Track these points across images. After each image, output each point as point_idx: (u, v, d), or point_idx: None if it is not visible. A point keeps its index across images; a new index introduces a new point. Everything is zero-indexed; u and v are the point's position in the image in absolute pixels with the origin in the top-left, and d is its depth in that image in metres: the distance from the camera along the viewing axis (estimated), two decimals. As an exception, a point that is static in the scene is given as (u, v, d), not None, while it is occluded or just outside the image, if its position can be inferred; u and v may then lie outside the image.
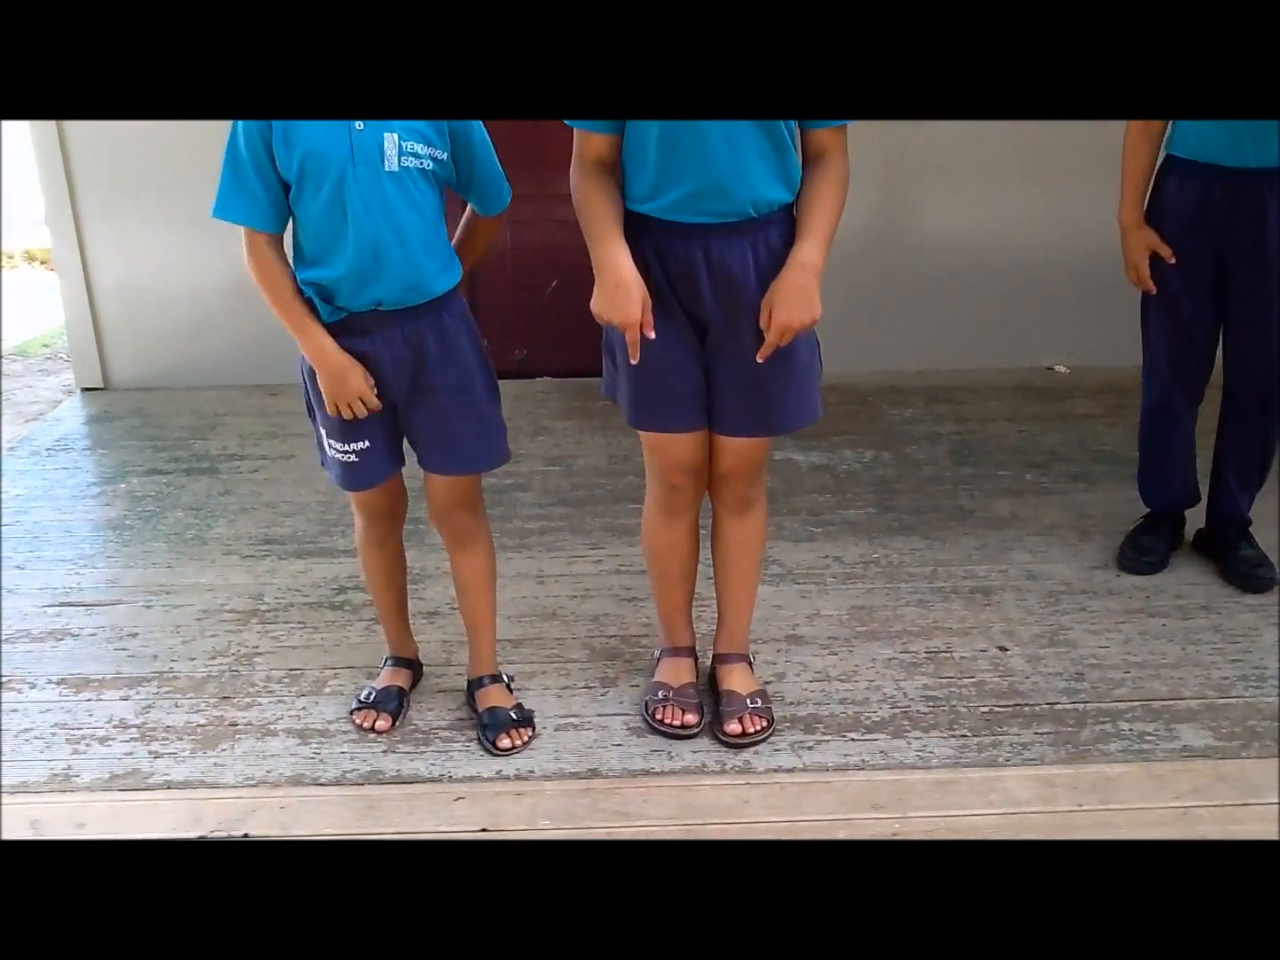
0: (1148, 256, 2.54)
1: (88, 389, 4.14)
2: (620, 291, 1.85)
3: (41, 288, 6.08)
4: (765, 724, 2.19)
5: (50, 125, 3.82)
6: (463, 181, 1.98)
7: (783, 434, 2.14)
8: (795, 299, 1.85)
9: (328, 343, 1.91)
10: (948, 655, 2.47)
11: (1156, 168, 2.57)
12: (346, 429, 1.99)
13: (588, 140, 1.93)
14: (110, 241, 3.99)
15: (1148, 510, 2.87)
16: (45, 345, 5.20)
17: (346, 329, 1.92)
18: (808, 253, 1.87)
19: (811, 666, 2.44)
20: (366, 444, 2.01)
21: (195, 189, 3.91)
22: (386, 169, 1.83)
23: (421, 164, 1.86)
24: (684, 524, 2.21)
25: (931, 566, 2.85)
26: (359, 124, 1.81)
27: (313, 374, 1.97)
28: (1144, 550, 2.79)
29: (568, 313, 4.01)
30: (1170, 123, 2.52)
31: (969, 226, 4.15)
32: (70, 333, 4.15)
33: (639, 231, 1.92)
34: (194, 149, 3.85)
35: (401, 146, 1.83)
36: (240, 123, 1.83)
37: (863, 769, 2.10)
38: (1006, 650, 2.49)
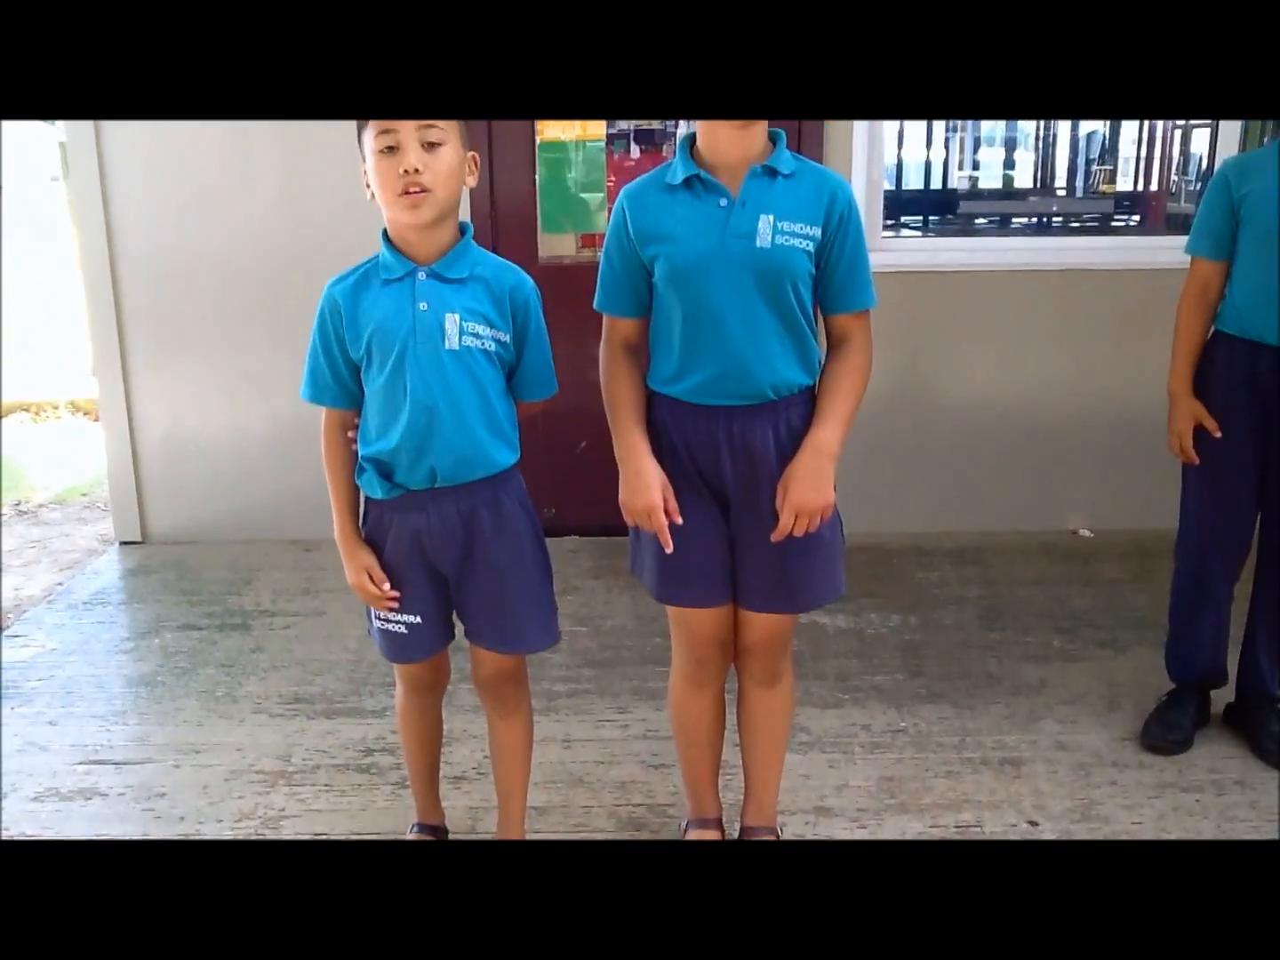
0: (1193, 427, 2.58)
1: (126, 542, 4.22)
2: (639, 480, 1.93)
3: (83, 437, 6.24)
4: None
5: (105, 274, 3.98)
6: (512, 365, 2.01)
7: (805, 611, 2.16)
8: (808, 483, 1.88)
9: (350, 529, 2.02)
10: (978, 830, 2.44)
11: (1207, 342, 2.63)
12: (402, 600, 2.01)
13: (615, 325, 2.04)
14: (156, 394, 4.12)
15: (1175, 683, 2.85)
16: (84, 494, 5.31)
17: (403, 505, 1.97)
18: (823, 437, 1.91)
19: (828, 829, 2.42)
20: (418, 619, 2.03)
21: (240, 344, 4.09)
22: (447, 347, 1.89)
23: (483, 344, 1.92)
24: (710, 695, 2.22)
25: (960, 736, 2.83)
26: (423, 304, 1.89)
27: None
28: (1170, 727, 2.75)
29: (597, 471, 4.08)
30: (1223, 297, 2.60)
31: (994, 387, 4.24)
32: (112, 485, 4.26)
33: (664, 410, 2.00)
34: (241, 306, 4.03)
35: (463, 326, 1.89)
36: (322, 308, 1.95)
37: (894, 952, 2.07)
38: (1037, 825, 2.46)
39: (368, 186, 1.90)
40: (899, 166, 6.73)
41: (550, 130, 4.15)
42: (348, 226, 3.89)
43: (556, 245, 4.28)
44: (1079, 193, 6.63)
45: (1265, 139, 5.18)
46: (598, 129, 4.18)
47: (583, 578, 3.82)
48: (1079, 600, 3.65)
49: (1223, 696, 2.86)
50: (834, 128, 3.98)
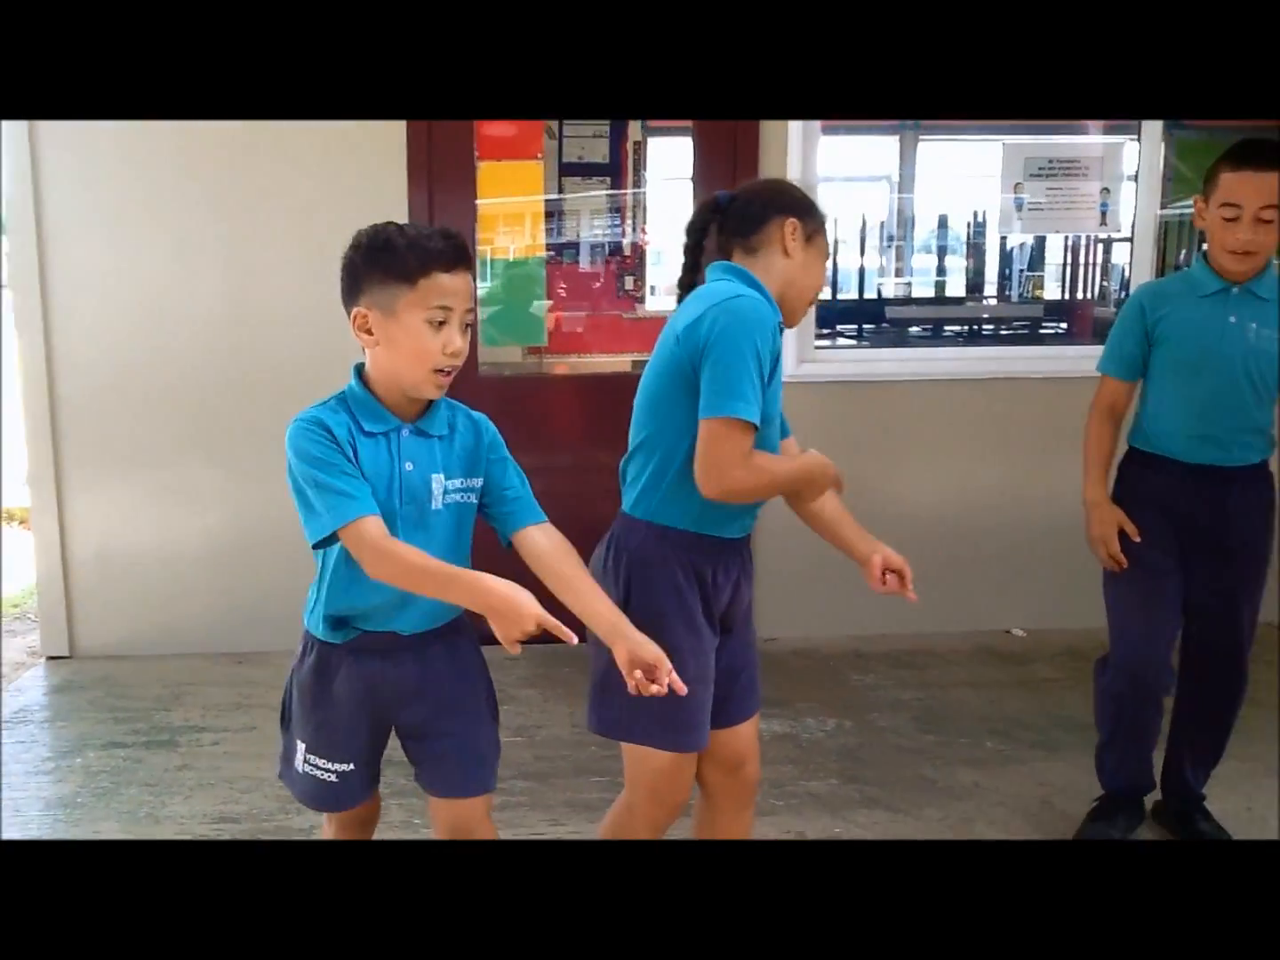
0: (1117, 532, 2.56)
1: (53, 657, 4.14)
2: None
3: (16, 547, 6.15)
4: None
5: (43, 382, 3.96)
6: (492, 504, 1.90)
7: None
8: None
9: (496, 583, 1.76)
10: (911, 939, 2.42)
11: (1120, 456, 2.69)
12: (333, 747, 1.91)
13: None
14: (90, 506, 4.08)
15: (1105, 790, 2.81)
16: (15, 606, 5.22)
17: (358, 648, 1.87)
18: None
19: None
20: (350, 766, 1.93)
21: (175, 458, 4.08)
22: (433, 507, 1.82)
23: (463, 497, 1.85)
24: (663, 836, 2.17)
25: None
26: (409, 463, 1.79)
27: (301, 686, 1.92)
28: (1100, 837, 2.72)
29: (533, 580, 4.09)
30: (1132, 412, 2.67)
31: (927, 494, 4.32)
32: (41, 597, 4.19)
33: (685, 547, 1.94)
34: (178, 419, 4.02)
35: (447, 485, 1.82)
36: (313, 431, 1.74)
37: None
38: (971, 933, 2.44)
39: (368, 332, 1.76)
40: (834, 275, 6.93)
41: (496, 242, 4.27)
42: (289, 343, 3.96)
43: (500, 355, 4.35)
44: (1011, 299, 6.85)
45: (1181, 258, 5.42)
46: (538, 243, 4.29)
47: (519, 686, 3.79)
48: (1013, 702, 3.68)
49: (1154, 795, 2.89)
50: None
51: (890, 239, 7.97)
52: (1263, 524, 2.58)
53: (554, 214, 4.56)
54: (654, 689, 1.71)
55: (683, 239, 2.04)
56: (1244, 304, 2.42)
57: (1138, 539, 2.56)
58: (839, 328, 6.05)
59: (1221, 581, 2.57)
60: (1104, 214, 4.19)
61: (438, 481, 1.82)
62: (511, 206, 4.32)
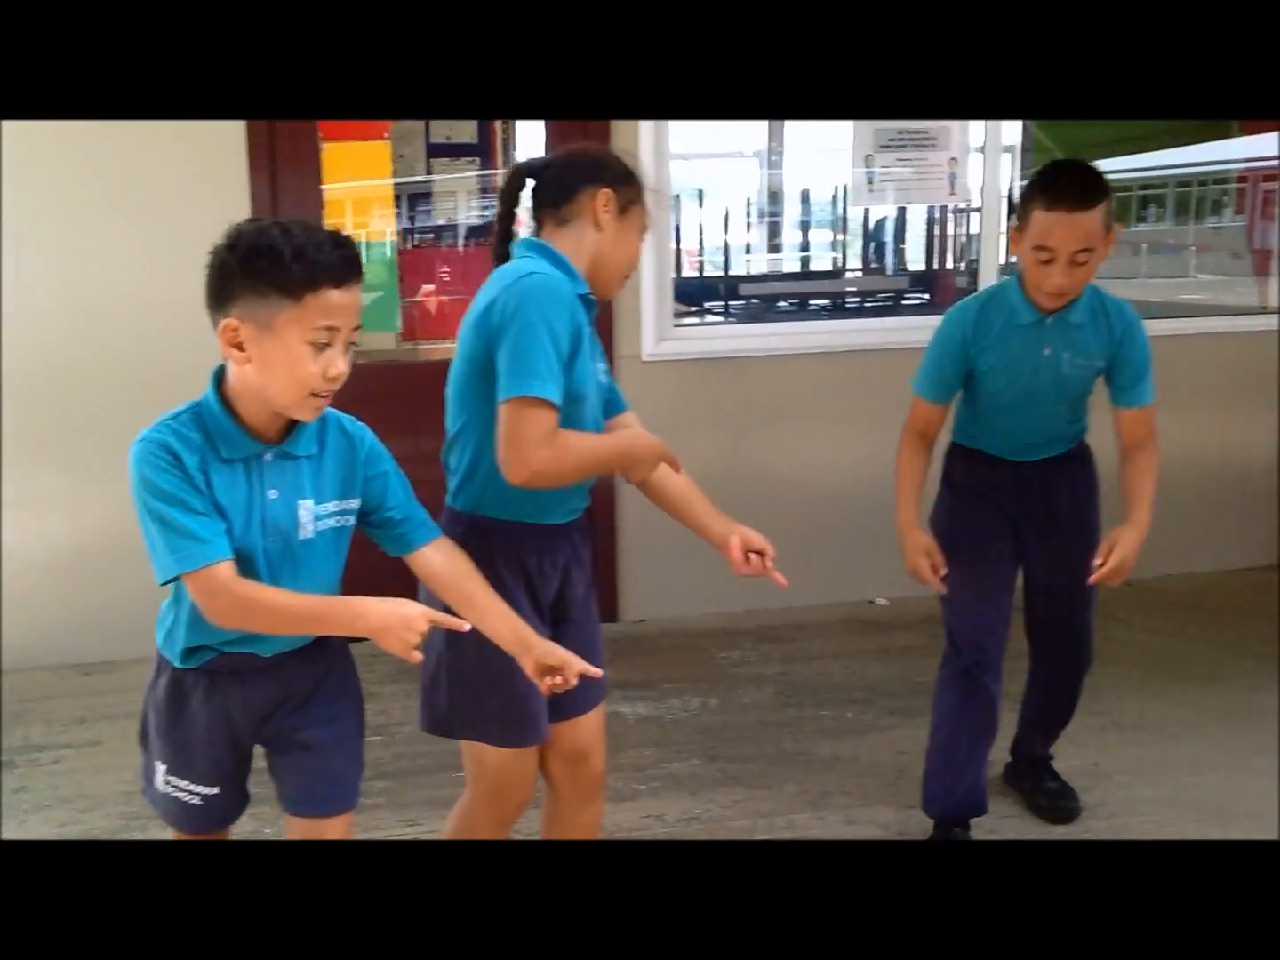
0: (926, 559, 2.46)
1: (-112, 678, 3.92)
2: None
3: None
4: None
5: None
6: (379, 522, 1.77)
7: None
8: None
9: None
10: (763, 916, 2.43)
11: (946, 451, 2.68)
12: (194, 770, 1.77)
13: None
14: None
15: (934, 820, 2.63)
16: None
17: (215, 669, 1.72)
18: None
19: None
20: (215, 790, 1.79)
21: (11, 462, 3.89)
22: (301, 537, 1.66)
23: (336, 521, 1.70)
24: (507, 834, 2.12)
25: (751, 819, 2.83)
26: (272, 491, 1.63)
27: (157, 708, 1.77)
28: None
29: (402, 576, 4.01)
30: (951, 421, 2.63)
31: (791, 468, 4.34)
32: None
33: (510, 539, 1.89)
34: (13, 422, 3.84)
35: (316, 512, 1.67)
36: (159, 458, 1.57)
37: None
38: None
39: (239, 347, 1.56)
40: (700, 251, 6.93)
41: (345, 228, 4.15)
42: (129, 337, 3.79)
43: (372, 342, 4.24)
44: (877, 271, 6.93)
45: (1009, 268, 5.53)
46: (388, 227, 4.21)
47: (380, 683, 3.71)
48: (874, 671, 3.72)
49: (1002, 757, 2.94)
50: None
51: (763, 214, 8.00)
52: (1090, 499, 2.62)
53: (425, 196, 4.48)
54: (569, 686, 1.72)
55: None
56: (1058, 334, 2.38)
57: (944, 571, 2.45)
58: (705, 304, 6.06)
59: (1061, 560, 2.58)
60: (953, 183, 4.24)
61: (306, 509, 1.66)
62: (363, 190, 4.22)
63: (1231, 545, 4.63)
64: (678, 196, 5.85)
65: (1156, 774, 2.97)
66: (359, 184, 4.22)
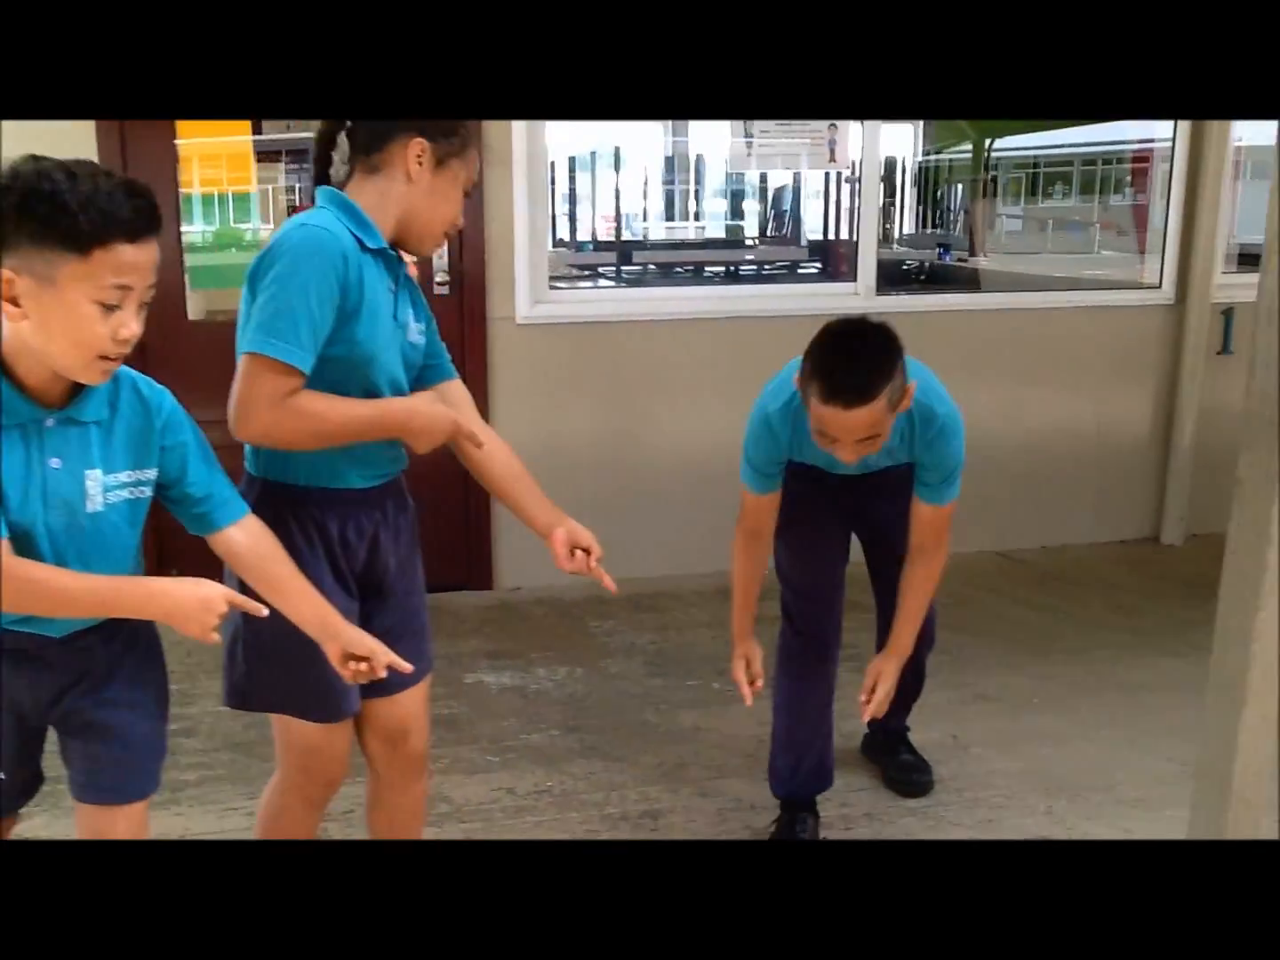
0: (744, 668, 2.34)
1: None
2: None
3: None
4: None
5: None
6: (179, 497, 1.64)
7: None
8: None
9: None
10: (604, 892, 2.38)
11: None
12: None
13: None
14: None
15: (781, 801, 2.56)
16: None
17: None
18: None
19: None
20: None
21: None
22: (88, 510, 1.52)
23: (129, 493, 1.56)
24: (318, 819, 2.01)
25: (605, 792, 2.77)
26: (55, 460, 1.48)
27: None
28: None
29: None
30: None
31: (666, 436, 4.28)
32: None
33: (306, 506, 1.78)
34: None
35: (105, 483, 1.53)
36: None
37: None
38: (666, 880, 2.42)
39: (14, 302, 1.40)
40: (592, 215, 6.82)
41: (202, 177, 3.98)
42: None
43: (221, 300, 4.07)
44: (770, 238, 6.90)
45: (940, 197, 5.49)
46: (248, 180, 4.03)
47: (237, 652, 3.59)
48: (745, 641, 3.68)
49: (860, 729, 2.92)
50: (498, 182, 3.92)
51: (669, 182, 7.91)
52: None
53: (302, 151, 4.30)
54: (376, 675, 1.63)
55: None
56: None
57: (759, 683, 2.34)
58: (600, 268, 5.97)
59: (891, 546, 2.48)
60: (832, 151, 4.19)
61: (94, 479, 1.51)
62: (223, 144, 4.04)
63: (1110, 519, 4.69)
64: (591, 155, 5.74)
65: (1013, 746, 2.98)
66: (225, 139, 4.04)
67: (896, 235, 8.03)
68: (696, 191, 7.04)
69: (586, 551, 1.89)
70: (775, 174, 6.72)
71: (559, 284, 4.44)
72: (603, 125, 6.16)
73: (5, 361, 1.46)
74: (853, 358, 2.01)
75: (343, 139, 1.77)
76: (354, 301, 1.65)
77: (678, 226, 7.55)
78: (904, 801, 2.71)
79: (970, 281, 6.74)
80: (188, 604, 1.50)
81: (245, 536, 1.65)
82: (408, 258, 1.83)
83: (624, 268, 5.93)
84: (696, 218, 7.29)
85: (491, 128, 3.74)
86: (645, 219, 7.24)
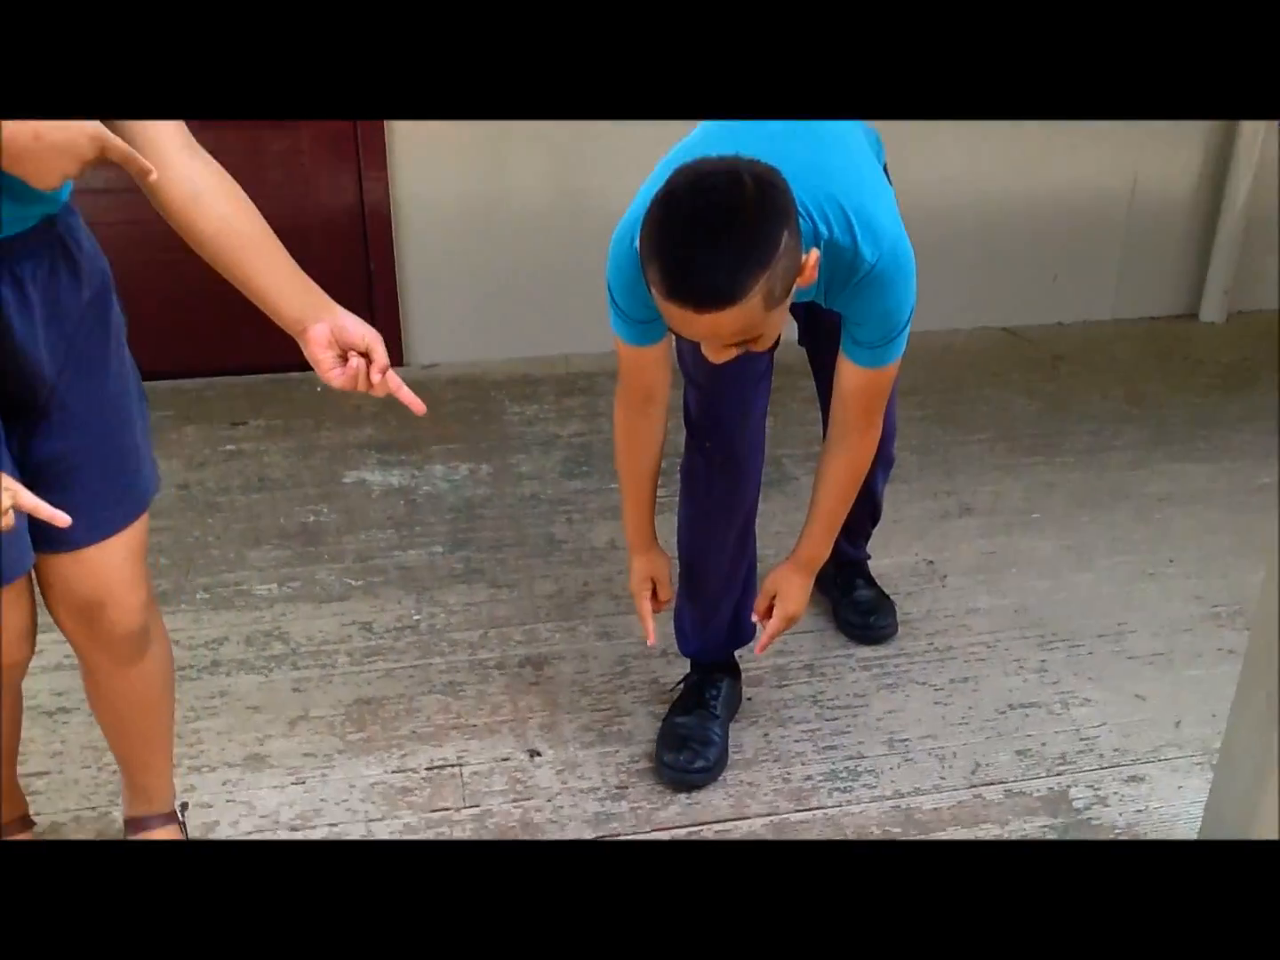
0: (647, 590, 1.81)
1: None
2: None
3: None
4: None
5: None
6: None
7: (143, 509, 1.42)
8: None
9: None
10: (454, 772, 1.84)
11: None
12: None
13: None
14: None
15: (691, 661, 1.99)
16: None
17: None
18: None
19: (261, 807, 1.77)
20: None
21: None
22: None
23: None
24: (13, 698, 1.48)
25: (483, 629, 2.21)
26: None
27: None
28: (690, 747, 1.83)
29: (167, 297, 3.21)
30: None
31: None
32: None
33: None
34: None
35: None
36: None
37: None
38: (538, 757, 1.88)
39: None
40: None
41: None
42: None
43: None
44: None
45: None
46: None
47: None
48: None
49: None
50: None
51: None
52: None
53: None
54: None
55: None
56: None
57: (668, 599, 1.85)
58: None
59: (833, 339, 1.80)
60: None
61: None
62: None
63: (1140, 290, 3.97)
64: None
65: (1000, 577, 2.39)
66: None
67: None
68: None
69: (365, 357, 1.24)
70: None
71: None
72: None
73: None
74: (705, 246, 1.27)
75: None
76: None
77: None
78: (857, 650, 2.15)
79: None
80: None
81: None
82: None
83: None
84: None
85: None
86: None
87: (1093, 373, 3.49)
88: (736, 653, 1.98)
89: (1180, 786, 1.81)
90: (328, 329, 1.24)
